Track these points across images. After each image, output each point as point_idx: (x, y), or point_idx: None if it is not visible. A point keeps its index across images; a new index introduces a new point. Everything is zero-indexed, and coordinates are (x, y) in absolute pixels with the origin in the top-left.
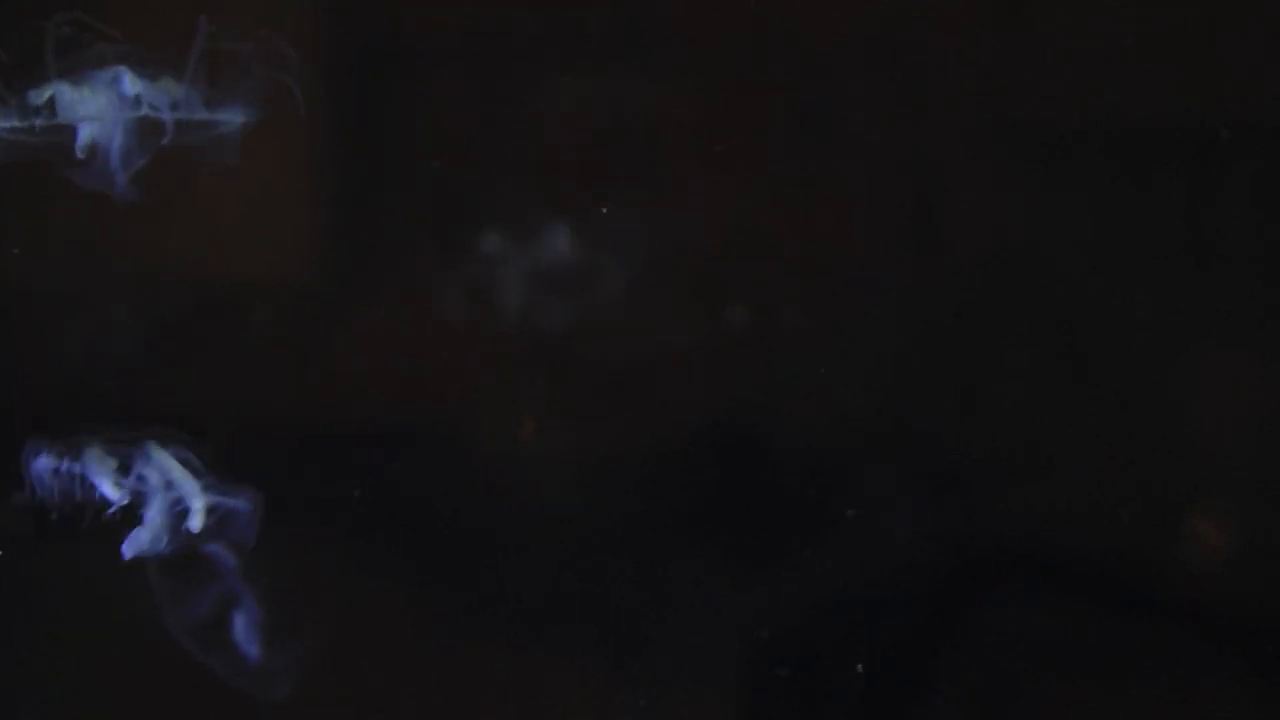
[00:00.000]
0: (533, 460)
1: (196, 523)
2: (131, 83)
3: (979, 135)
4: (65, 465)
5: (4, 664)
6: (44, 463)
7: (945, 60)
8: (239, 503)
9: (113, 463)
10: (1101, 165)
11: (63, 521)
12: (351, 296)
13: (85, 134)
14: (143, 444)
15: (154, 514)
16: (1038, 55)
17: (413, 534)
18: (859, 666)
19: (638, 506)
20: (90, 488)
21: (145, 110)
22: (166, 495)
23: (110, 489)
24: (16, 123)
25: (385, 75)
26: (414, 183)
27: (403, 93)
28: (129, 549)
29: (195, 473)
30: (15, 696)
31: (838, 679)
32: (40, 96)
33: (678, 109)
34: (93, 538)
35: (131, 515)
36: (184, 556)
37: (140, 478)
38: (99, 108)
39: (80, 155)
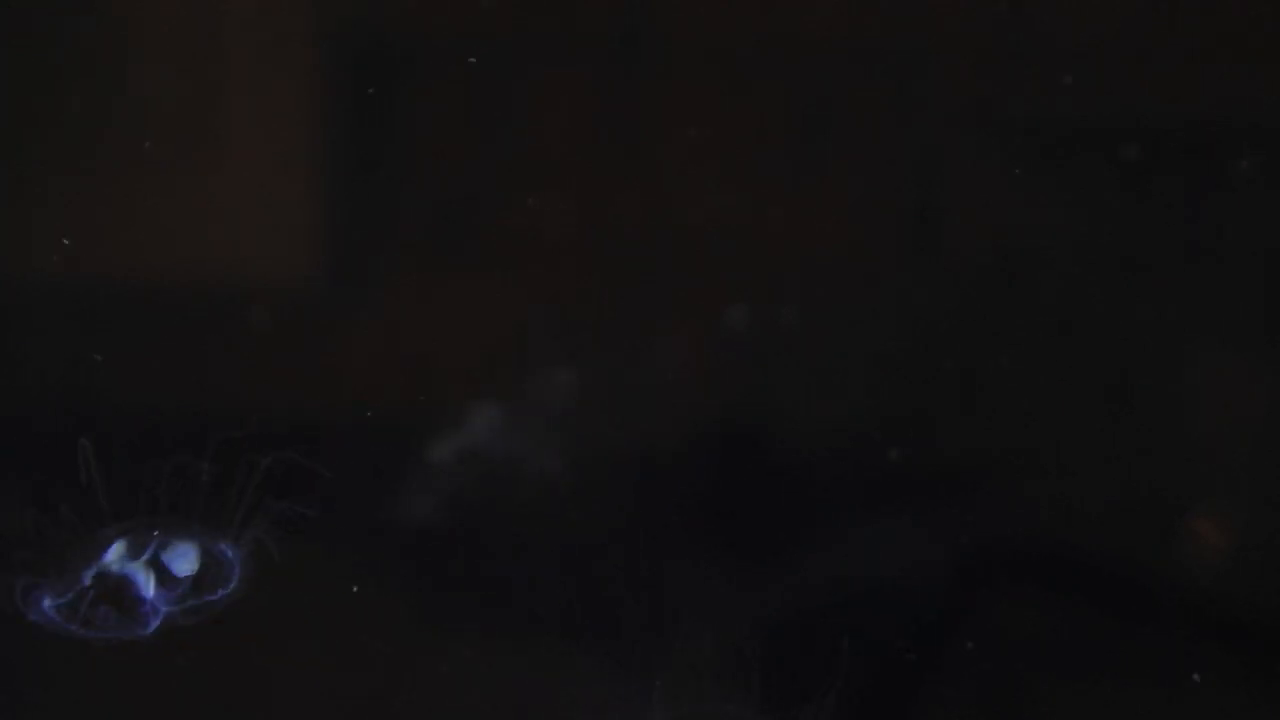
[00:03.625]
0: (533, 460)
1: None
2: None
3: (979, 135)
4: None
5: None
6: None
7: (945, 59)
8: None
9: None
10: (1101, 165)
11: None
12: (351, 297)
13: None
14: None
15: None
16: (1038, 55)
17: (412, 534)
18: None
19: (637, 506)
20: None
21: None
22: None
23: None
24: None
25: (384, 74)
26: (412, 183)
27: (402, 92)
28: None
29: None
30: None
31: (835, 679)
32: None
33: (678, 109)
34: None
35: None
36: None
37: None
38: None
39: None
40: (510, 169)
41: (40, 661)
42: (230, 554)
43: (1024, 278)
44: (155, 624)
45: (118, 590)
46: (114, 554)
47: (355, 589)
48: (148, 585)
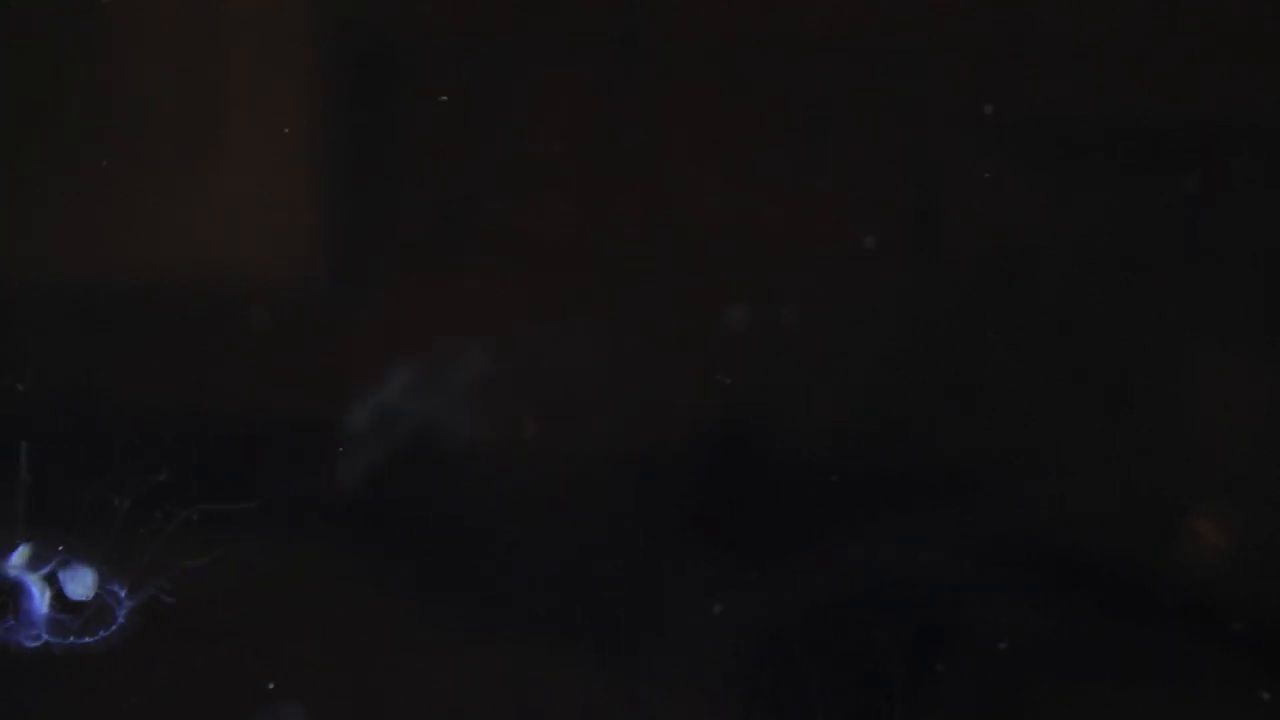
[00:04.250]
0: (533, 460)
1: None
2: None
3: (979, 135)
4: None
5: None
6: None
7: (945, 59)
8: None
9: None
10: (1102, 165)
11: None
12: (351, 297)
13: None
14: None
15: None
16: (1038, 55)
17: (411, 534)
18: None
19: (637, 507)
20: None
21: None
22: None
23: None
24: None
25: (384, 74)
26: (412, 183)
27: (402, 92)
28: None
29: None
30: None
31: (836, 679)
32: None
33: (678, 109)
34: None
35: None
36: None
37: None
38: None
39: None
40: (510, 169)
41: (40, 662)
42: (121, 596)
43: (1024, 278)
44: (38, 640)
45: (13, 596)
46: (18, 557)
47: (355, 589)
48: (42, 600)
